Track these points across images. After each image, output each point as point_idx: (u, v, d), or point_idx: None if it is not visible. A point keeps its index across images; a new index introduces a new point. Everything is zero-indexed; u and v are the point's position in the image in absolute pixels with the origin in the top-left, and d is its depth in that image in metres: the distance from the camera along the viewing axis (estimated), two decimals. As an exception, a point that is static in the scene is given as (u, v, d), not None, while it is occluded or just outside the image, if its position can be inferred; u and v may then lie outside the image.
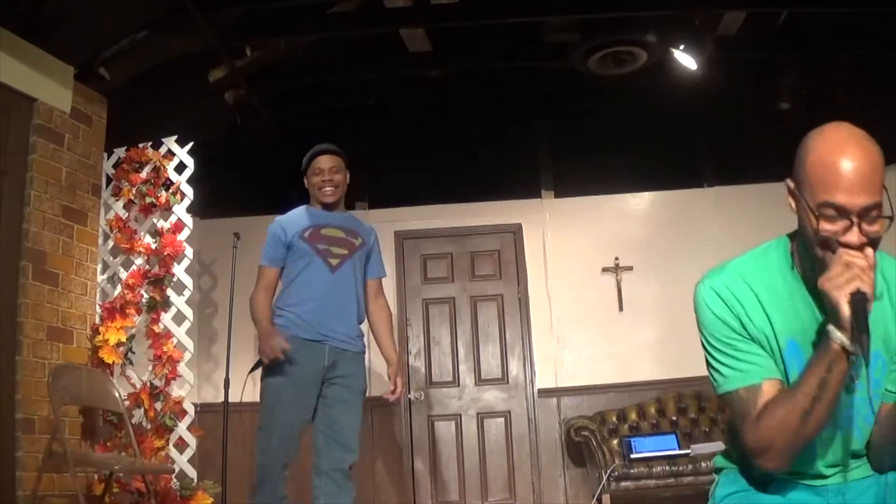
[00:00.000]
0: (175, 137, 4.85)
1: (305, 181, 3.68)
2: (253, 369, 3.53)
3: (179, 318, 4.63)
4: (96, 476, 4.07)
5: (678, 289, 5.64)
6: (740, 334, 1.49)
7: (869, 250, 1.35)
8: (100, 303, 4.42)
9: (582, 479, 5.57)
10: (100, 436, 4.24)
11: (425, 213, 6.10)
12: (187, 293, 4.70)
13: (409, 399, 5.80)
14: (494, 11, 4.88)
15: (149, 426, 4.36)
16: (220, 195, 5.74)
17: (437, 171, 6.13)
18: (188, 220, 4.76)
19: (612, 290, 5.88)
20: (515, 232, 6.07)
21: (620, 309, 5.85)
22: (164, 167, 4.78)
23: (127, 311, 4.41)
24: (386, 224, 6.06)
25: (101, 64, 4.33)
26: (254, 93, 5.43)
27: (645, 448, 5.13)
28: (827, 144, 1.38)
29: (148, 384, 4.42)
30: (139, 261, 4.62)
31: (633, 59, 5.25)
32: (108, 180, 4.66)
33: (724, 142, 6.07)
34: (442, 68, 5.82)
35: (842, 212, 1.35)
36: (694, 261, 5.60)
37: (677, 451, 5.09)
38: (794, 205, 1.46)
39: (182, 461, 4.44)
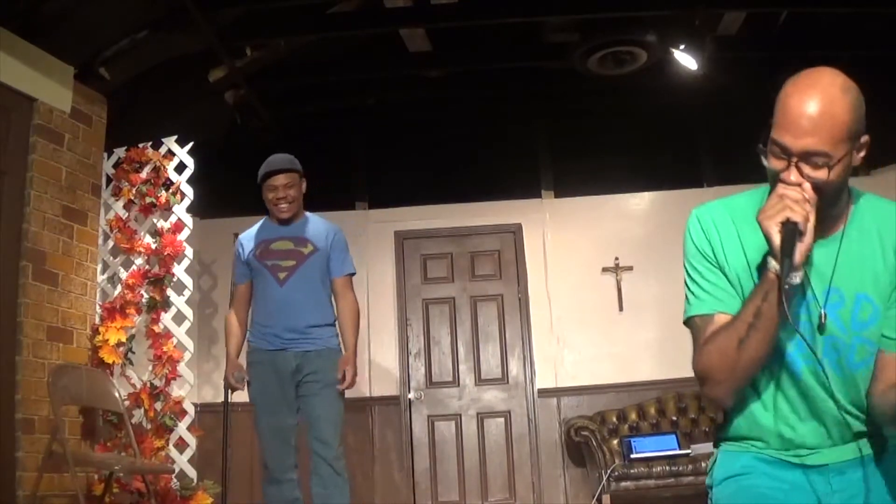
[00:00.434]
0: (175, 137, 4.85)
1: (262, 194, 3.72)
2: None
3: (179, 318, 4.63)
4: (96, 476, 4.07)
5: (678, 289, 5.58)
6: (710, 261, 1.52)
7: (806, 184, 1.37)
8: (100, 303, 4.42)
9: (582, 479, 5.57)
10: (100, 436, 4.24)
11: (425, 213, 6.10)
12: (187, 293, 4.70)
13: (409, 399, 5.80)
14: (494, 11, 4.89)
15: (149, 426, 4.36)
16: (220, 195, 5.73)
17: (437, 171, 6.13)
18: (188, 220, 4.76)
19: (612, 290, 5.88)
20: (515, 232, 6.07)
21: (620, 309, 5.85)
22: (164, 167, 4.78)
23: (127, 311, 4.40)
24: (386, 224, 6.08)
25: (101, 64, 4.33)
26: (254, 93, 5.43)
27: (645, 448, 5.13)
28: (793, 85, 1.41)
29: (148, 384, 4.42)
30: (139, 261, 4.62)
31: (633, 59, 5.25)
32: (108, 180, 4.66)
33: (724, 142, 6.07)
34: (442, 68, 5.82)
35: (784, 151, 1.39)
36: (694, 261, 5.62)
37: (677, 451, 5.09)
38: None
39: (182, 461, 4.44)
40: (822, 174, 1.37)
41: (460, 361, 5.92)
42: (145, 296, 4.53)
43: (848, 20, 5.09)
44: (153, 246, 4.64)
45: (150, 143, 4.80)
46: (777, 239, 1.35)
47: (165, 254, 4.61)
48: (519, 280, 6.00)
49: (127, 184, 4.68)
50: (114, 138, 4.58)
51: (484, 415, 5.82)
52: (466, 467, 5.70)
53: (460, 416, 5.82)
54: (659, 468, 4.96)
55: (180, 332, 4.59)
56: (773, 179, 1.42)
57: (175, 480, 4.32)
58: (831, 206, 1.43)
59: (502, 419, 5.80)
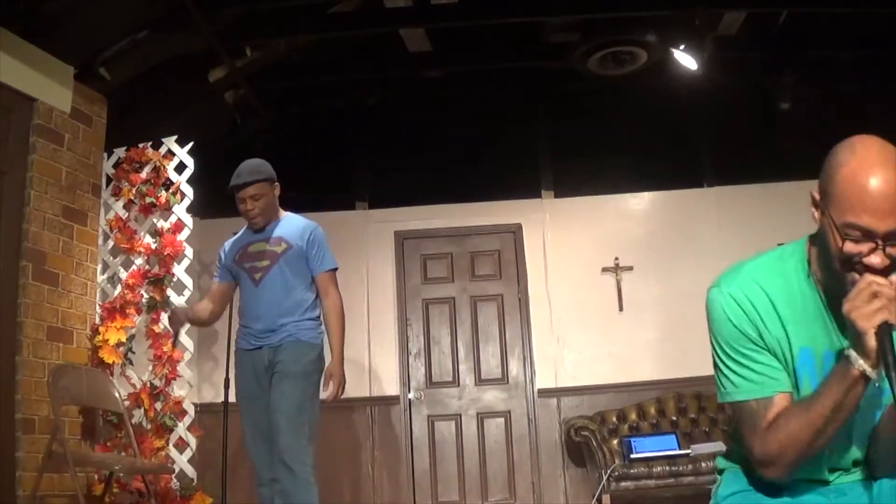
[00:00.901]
0: (175, 137, 4.85)
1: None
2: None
3: (179, 318, 4.62)
4: (96, 476, 4.07)
5: (678, 289, 5.66)
6: (756, 344, 1.46)
7: (894, 277, 1.33)
8: (100, 303, 4.42)
9: (582, 479, 5.57)
10: (100, 436, 4.24)
11: (425, 213, 6.10)
12: (187, 293, 4.71)
13: (409, 399, 5.80)
14: (494, 11, 4.89)
15: (149, 426, 4.36)
16: (220, 195, 5.71)
17: (437, 171, 6.12)
18: (188, 220, 4.76)
19: (612, 290, 5.88)
20: (515, 232, 6.07)
21: (620, 309, 5.85)
22: (164, 167, 4.78)
23: (127, 311, 4.41)
24: (386, 224, 6.08)
25: (101, 64, 4.33)
26: (254, 93, 5.43)
27: (645, 448, 5.13)
28: (857, 162, 1.33)
29: (148, 384, 4.42)
30: (139, 261, 4.63)
31: (633, 59, 5.25)
32: (108, 180, 4.67)
33: (724, 142, 6.07)
34: (442, 68, 5.83)
35: (867, 234, 1.32)
36: (694, 261, 5.62)
37: (677, 451, 5.08)
38: (817, 216, 1.42)
39: (182, 461, 4.44)
40: None
41: (460, 361, 5.92)
42: (145, 296, 4.54)
43: (848, 20, 5.09)
44: (153, 246, 4.64)
45: (150, 143, 4.80)
46: (873, 342, 1.29)
47: (165, 254, 4.62)
48: (519, 280, 6.00)
49: (127, 184, 4.68)
50: (114, 138, 4.58)
51: (484, 415, 5.82)
52: (466, 467, 5.70)
53: (460, 416, 5.82)
54: (659, 468, 4.96)
55: (180, 332, 4.59)
56: (845, 260, 1.35)
57: (175, 480, 4.32)
58: None
59: (502, 419, 5.80)
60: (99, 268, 4.47)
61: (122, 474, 4.01)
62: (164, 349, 4.48)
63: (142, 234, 4.69)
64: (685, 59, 5.01)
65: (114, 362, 4.27)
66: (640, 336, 5.75)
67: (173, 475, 4.29)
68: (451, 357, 5.93)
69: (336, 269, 3.68)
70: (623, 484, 4.97)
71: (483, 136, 6.22)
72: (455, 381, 5.88)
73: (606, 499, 4.98)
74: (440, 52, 5.48)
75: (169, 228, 4.69)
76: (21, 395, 3.71)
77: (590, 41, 5.12)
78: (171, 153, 4.83)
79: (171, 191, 4.74)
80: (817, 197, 1.41)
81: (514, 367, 5.88)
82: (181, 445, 4.47)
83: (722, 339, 1.49)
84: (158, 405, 4.40)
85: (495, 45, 5.57)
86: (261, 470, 3.46)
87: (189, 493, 4.30)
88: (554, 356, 5.82)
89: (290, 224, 3.71)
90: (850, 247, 1.34)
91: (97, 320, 4.35)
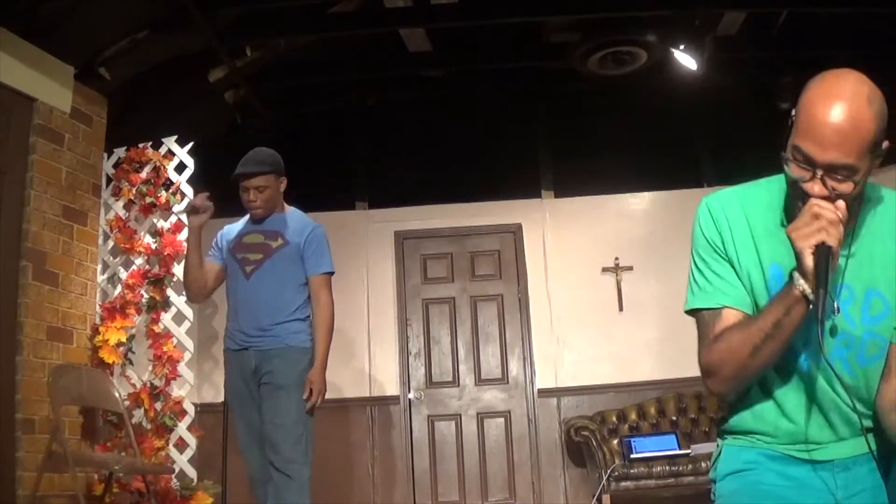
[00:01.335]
0: (175, 137, 4.85)
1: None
2: (226, 391, 3.68)
3: (179, 318, 4.63)
4: (96, 476, 4.07)
5: (678, 289, 5.59)
6: (717, 253, 1.51)
7: (841, 203, 1.34)
8: (100, 303, 4.42)
9: (582, 479, 5.57)
10: (100, 436, 4.24)
11: (425, 213, 6.10)
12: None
13: (409, 399, 5.80)
14: (494, 11, 4.88)
15: (149, 426, 4.36)
16: (220, 195, 5.73)
17: (437, 171, 6.13)
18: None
19: (612, 290, 5.88)
20: (515, 232, 6.07)
21: (620, 309, 5.85)
22: (164, 167, 4.78)
23: (127, 311, 4.41)
24: (386, 224, 6.08)
25: (101, 64, 4.33)
26: (254, 93, 5.43)
27: (645, 448, 5.13)
28: (821, 91, 1.37)
29: (148, 384, 4.42)
30: (139, 261, 4.63)
31: (633, 59, 5.25)
32: (108, 180, 4.67)
33: (724, 142, 6.07)
34: (442, 68, 5.82)
35: (808, 161, 1.35)
36: (694, 261, 5.62)
37: (677, 451, 5.09)
38: None
39: (182, 461, 4.44)
40: (846, 187, 1.34)
41: (460, 361, 5.92)
42: (145, 296, 4.54)
43: (848, 20, 5.09)
44: (153, 246, 4.64)
45: (150, 143, 4.80)
46: (810, 261, 1.32)
47: (165, 254, 4.61)
48: (519, 280, 6.00)
49: (127, 184, 4.68)
50: (114, 138, 4.58)
51: (484, 415, 5.82)
52: (466, 467, 5.70)
53: (460, 416, 5.82)
54: (659, 468, 4.96)
55: (180, 332, 4.59)
56: (793, 183, 1.40)
57: (175, 480, 4.32)
58: (851, 215, 1.41)
59: (502, 419, 5.80)
60: (99, 268, 4.47)
61: (122, 474, 4.01)
62: (165, 349, 4.48)
63: (142, 234, 4.69)
64: (685, 59, 5.01)
65: (114, 362, 4.27)
66: (640, 336, 5.75)
67: (173, 475, 4.29)
68: (451, 357, 5.93)
69: (332, 273, 3.56)
70: (623, 484, 4.97)
71: (483, 136, 6.22)
72: (455, 381, 5.89)
73: (606, 499, 4.98)
74: (440, 52, 5.48)
75: (169, 228, 4.69)
76: (21, 395, 3.70)
77: (590, 41, 5.12)
78: (171, 153, 4.83)
79: (171, 191, 4.75)
80: (793, 115, 1.44)
81: (514, 367, 5.88)
82: (181, 445, 4.47)
83: (693, 249, 1.56)
84: (158, 405, 4.40)
85: (495, 44, 5.57)
86: (254, 470, 3.43)
87: (189, 493, 4.30)
88: (554, 356, 5.82)
89: (292, 220, 3.62)
90: (794, 169, 1.38)
91: (97, 320, 4.35)
